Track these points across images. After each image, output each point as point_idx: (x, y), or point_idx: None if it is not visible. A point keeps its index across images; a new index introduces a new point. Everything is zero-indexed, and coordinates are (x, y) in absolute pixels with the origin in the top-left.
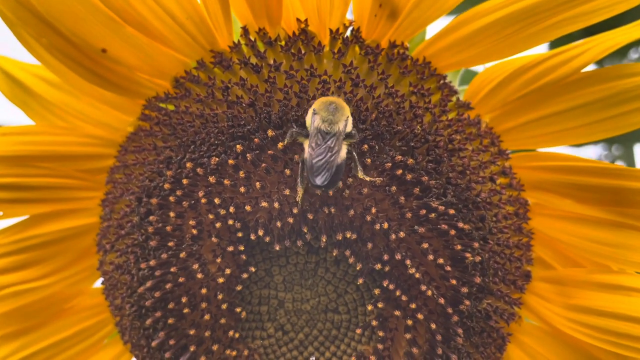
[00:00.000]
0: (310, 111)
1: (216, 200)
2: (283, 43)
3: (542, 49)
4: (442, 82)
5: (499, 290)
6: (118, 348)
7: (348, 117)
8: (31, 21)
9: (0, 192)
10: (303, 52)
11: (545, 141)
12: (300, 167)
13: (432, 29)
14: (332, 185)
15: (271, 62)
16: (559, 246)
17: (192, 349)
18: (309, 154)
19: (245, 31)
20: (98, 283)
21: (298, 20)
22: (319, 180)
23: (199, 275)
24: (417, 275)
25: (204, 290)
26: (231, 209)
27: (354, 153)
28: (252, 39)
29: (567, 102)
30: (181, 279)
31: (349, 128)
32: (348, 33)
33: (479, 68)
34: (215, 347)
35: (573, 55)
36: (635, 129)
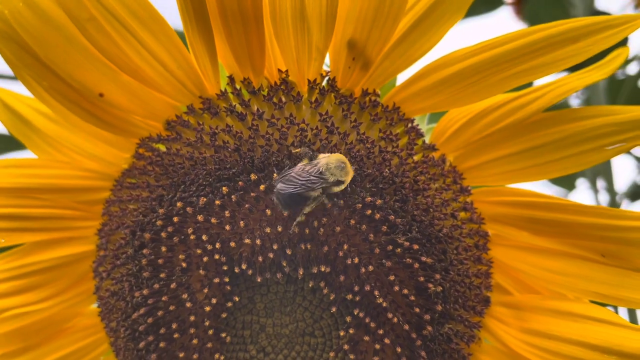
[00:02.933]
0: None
1: (204, 237)
2: (266, 92)
3: None
4: (409, 125)
5: (460, 315)
6: None
7: (346, 181)
8: (33, 65)
9: (0, 221)
10: (284, 101)
11: (505, 178)
12: None
13: (403, 75)
14: (286, 205)
15: (255, 110)
16: (517, 274)
17: None
18: (298, 167)
19: (231, 80)
20: (94, 304)
21: (279, 70)
22: (280, 188)
23: (188, 304)
24: (385, 304)
25: (192, 317)
26: (217, 245)
27: (324, 197)
28: (238, 87)
29: (526, 142)
30: (172, 307)
31: (338, 187)
32: (324, 82)
33: None
34: None
35: (533, 98)
36: (586, 168)
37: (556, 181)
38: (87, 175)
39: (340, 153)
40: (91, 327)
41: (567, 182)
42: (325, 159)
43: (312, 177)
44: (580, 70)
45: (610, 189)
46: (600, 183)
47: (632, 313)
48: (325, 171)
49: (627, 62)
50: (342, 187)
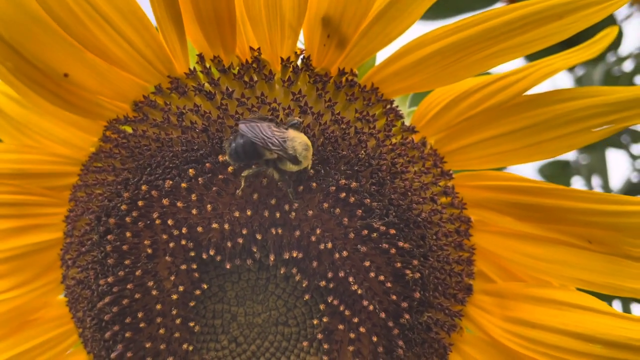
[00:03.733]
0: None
1: (170, 222)
2: (236, 71)
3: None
4: (388, 107)
5: (440, 303)
6: (82, 357)
7: (301, 164)
8: None
9: None
10: (255, 79)
11: (488, 162)
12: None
13: (384, 54)
14: (235, 155)
15: (224, 89)
16: (500, 261)
17: None
18: (267, 123)
19: (201, 58)
20: (62, 295)
21: (251, 48)
22: (242, 129)
23: (154, 292)
24: (360, 292)
25: (159, 306)
26: (184, 230)
27: (287, 177)
28: (208, 66)
29: (509, 124)
30: (137, 295)
31: (292, 164)
32: (299, 61)
33: None
34: (170, 359)
35: (515, 79)
36: (572, 150)
37: (551, 178)
38: (55, 160)
39: (315, 133)
40: (60, 317)
41: (561, 179)
42: (293, 133)
43: (274, 139)
44: (567, 50)
45: (605, 186)
46: (595, 180)
47: (625, 303)
48: (289, 141)
49: (623, 59)
50: (295, 168)
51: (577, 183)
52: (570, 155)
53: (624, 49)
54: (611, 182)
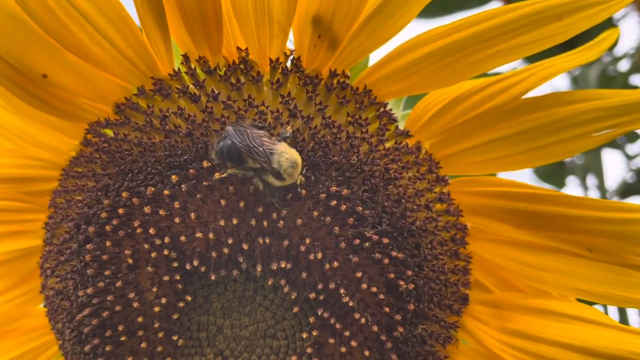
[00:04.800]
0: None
1: (151, 231)
2: (222, 72)
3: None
4: (381, 110)
5: (435, 315)
6: None
7: (285, 180)
8: None
9: None
10: (242, 81)
11: (485, 167)
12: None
13: (377, 55)
14: (220, 154)
15: (209, 91)
16: (497, 270)
17: None
18: (259, 131)
19: (185, 59)
20: (42, 305)
21: (239, 48)
22: (229, 131)
23: (136, 304)
24: (351, 304)
25: (140, 319)
26: (166, 239)
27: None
28: (193, 66)
29: (506, 129)
30: (118, 307)
31: (275, 179)
32: (289, 63)
33: None
34: None
35: (514, 82)
36: (572, 155)
37: (545, 178)
38: (34, 164)
39: (304, 138)
40: (40, 328)
41: (557, 179)
42: (284, 147)
43: (260, 149)
44: (567, 52)
45: (601, 186)
46: (591, 180)
47: (622, 313)
48: (276, 155)
49: (618, 58)
50: (278, 183)
51: (572, 183)
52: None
53: (619, 48)
54: (607, 182)
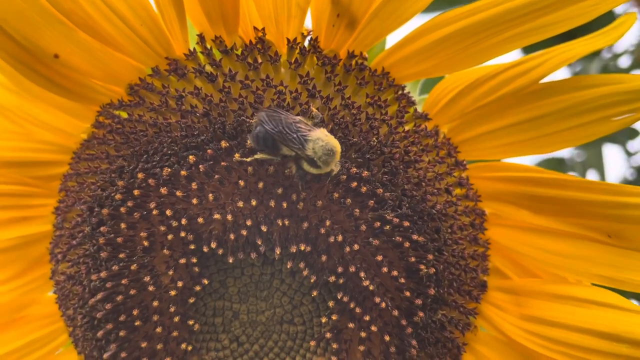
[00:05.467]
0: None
1: (168, 212)
2: (239, 52)
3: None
4: (400, 92)
5: (454, 300)
6: (72, 358)
7: (322, 168)
8: None
9: None
10: (259, 61)
11: (503, 152)
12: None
13: (393, 39)
14: (255, 138)
15: (226, 71)
16: (515, 256)
17: None
18: (296, 117)
19: (201, 39)
20: (52, 291)
21: (255, 28)
22: (262, 117)
23: (151, 288)
24: (371, 288)
25: (155, 303)
26: (183, 221)
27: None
28: (209, 46)
29: (525, 113)
30: (132, 291)
31: (310, 167)
32: (306, 43)
33: None
34: None
35: (532, 66)
36: (592, 140)
37: None
38: (43, 147)
39: (323, 119)
40: (49, 315)
41: None
42: (321, 134)
43: (294, 135)
44: (584, 36)
45: None
46: (591, 177)
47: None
48: (311, 142)
49: (619, 55)
50: (313, 170)
51: None
52: (566, 152)
53: (620, 45)
54: (607, 179)
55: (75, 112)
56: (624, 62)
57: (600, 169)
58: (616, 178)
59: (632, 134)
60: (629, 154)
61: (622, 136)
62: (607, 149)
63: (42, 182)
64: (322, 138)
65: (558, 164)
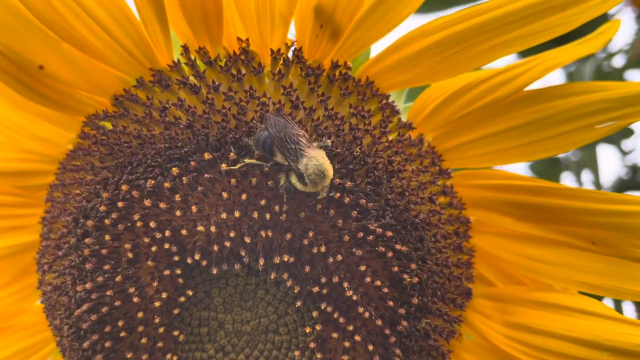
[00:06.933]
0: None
1: (152, 224)
2: (223, 63)
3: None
4: (384, 102)
5: (438, 309)
6: None
7: (307, 187)
8: None
9: None
10: (243, 72)
11: (488, 160)
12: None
13: (378, 47)
14: (257, 140)
15: (210, 82)
16: (500, 264)
17: None
18: (300, 130)
19: (185, 50)
20: (39, 301)
21: (239, 39)
22: (268, 118)
23: (136, 299)
24: (355, 298)
25: (140, 314)
26: (167, 233)
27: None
28: (193, 57)
29: (508, 121)
30: (117, 303)
31: (297, 181)
32: (290, 53)
33: None
34: None
35: (516, 74)
36: (575, 148)
37: (540, 174)
38: (29, 157)
39: (307, 130)
40: (37, 324)
41: (551, 175)
42: (318, 154)
43: (292, 146)
44: (568, 43)
45: (596, 183)
46: (586, 177)
47: (617, 305)
48: (305, 158)
49: (613, 54)
50: (299, 186)
51: (567, 179)
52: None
53: (614, 44)
54: (602, 178)
55: (62, 123)
56: (618, 61)
57: (595, 169)
58: (611, 177)
59: (626, 133)
60: (624, 153)
61: (616, 135)
62: (601, 147)
63: (29, 192)
64: (317, 158)
65: (553, 164)
